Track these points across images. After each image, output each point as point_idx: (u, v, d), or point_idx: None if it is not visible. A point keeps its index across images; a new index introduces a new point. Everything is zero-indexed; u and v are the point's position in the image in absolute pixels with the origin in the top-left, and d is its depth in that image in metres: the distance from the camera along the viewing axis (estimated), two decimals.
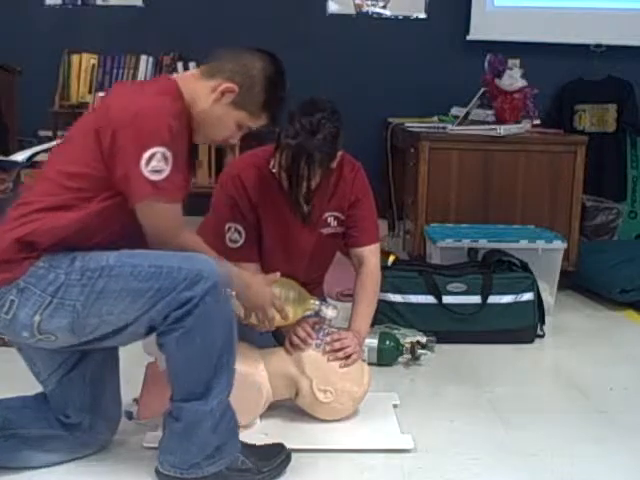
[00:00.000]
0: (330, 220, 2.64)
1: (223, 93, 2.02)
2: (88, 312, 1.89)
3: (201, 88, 2.03)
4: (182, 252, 1.94)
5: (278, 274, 2.38)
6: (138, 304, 1.88)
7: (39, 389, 2.16)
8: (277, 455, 2.09)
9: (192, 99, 2.02)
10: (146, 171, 1.88)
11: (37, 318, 1.89)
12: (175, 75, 2.12)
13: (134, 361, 2.33)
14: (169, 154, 1.89)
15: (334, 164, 2.47)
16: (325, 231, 2.65)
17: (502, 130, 3.85)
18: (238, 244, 2.57)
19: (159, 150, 1.88)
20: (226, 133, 2.10)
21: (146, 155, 1.87)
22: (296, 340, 2.41)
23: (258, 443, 2.14)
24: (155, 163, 1.88)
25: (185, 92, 2.02)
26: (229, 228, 2.57)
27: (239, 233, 2.56)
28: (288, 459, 2.10)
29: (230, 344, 1.96)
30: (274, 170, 2.46)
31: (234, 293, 2.21)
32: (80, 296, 1.89)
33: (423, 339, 3.04)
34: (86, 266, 1.90)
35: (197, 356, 1.91)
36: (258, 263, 2.59)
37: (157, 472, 2.02)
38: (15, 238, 1.90)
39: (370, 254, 2.63)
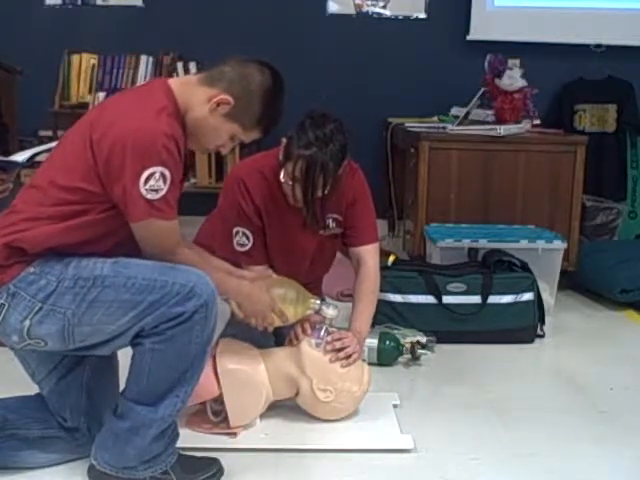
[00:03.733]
0: (329, 222, 2.65)
1: (219, 104, 2.00)
2: (79, 320, 1.89)
3: (197, 95, 2.01)
4: (178, 265, 1.94)
5: (273, 275, 2.39)
6: (129, 316, 1.88)
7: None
8: (203, 470, 2.06)
9: (187, 106, 2.00)
10: (143, 190, 1.86)
11: (27, 323, 1.88)
12: (172, 79, 2.07)
13: None
14: (167, 173, 1.88)
15: (340, 172, 2.48)
16: (325, 233, 2.67)
17: (502, 130, 3.85)
18: (246, 247, 2.59)
19: (158, 169, 1.86)
20: (218, 142, 2.08)
21: (145, 174, 1.86)
22: (292, 336, 2.43)
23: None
24: (153, 182, 1.87)
25: (181, 98, 1.99)
26: (237, 232, 2.59)
27: (247, 237, 2.58)
28: (216, 476, 2.07)
29: (200, 361, 1.96)
30: (284, 181, 2.45)
31: (234, 303, 2.23)
32: (71, 304, 1.88)
33: (423, 339, 3.04)
34: (79, 274, 1.89)
35: (166, 364, 1.91)
36: (267, 265, 2.61)
37: (92, 468, 2.01)
38: (3, 243, 1.88)
39: (368, 254, 2.63)
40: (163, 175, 1.87)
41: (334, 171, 2.40)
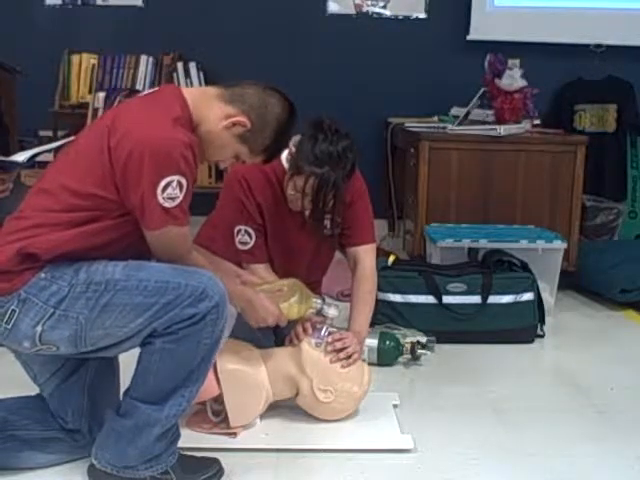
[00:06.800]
0: (327, 223, 2.65)
1: (234, 124, 2.02)
2: (92, 325, 1.88)
3: (214, 110, 2.02)
4: (189, 267, 1.95)
5: (273, 277, 2.41)
6: (142, 318, 1.88)
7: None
8: (204, 470, 2.06)
9: (201, 118, 2.01)
10: (161, 198, 1.87)
11: (39, 329, 1.88)
12: (187, 89, 2.07)
13: (134, 362, 2.32)
14: (184, 181, 1.88)
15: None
16: (323, 233, 2.66)
17: (502, 130, 3.85)
18: (248, 246, 2.60)
19: (175, 178, 1.87)
20: (221, 158, 2.12)
21: (162, 183, 1.86)
22: (292, 335, 2.43)
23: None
24: (170, 191, 1.87)
25: (195, 109, 2.00)
26: (239, 231, 2.59)
27: (249, 235, 2.59)
28: (216, 476, 2.07)
29: (207, 362, 1.97)
30: (289, 190, 2.47)
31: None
32: (84, 309, 1.88)
33: (423, 339, 3.04)
34: (91, 278, 1.89)
35: (174, 364, 1.91)
36: (268, 263, 2.61)
37: (92, 467, 2.01)
38: (16, 249, 1.87)
39: (364, 254, 2.64)
40: (180, 183, 1.88)
41: (343, 187, 2.43)
